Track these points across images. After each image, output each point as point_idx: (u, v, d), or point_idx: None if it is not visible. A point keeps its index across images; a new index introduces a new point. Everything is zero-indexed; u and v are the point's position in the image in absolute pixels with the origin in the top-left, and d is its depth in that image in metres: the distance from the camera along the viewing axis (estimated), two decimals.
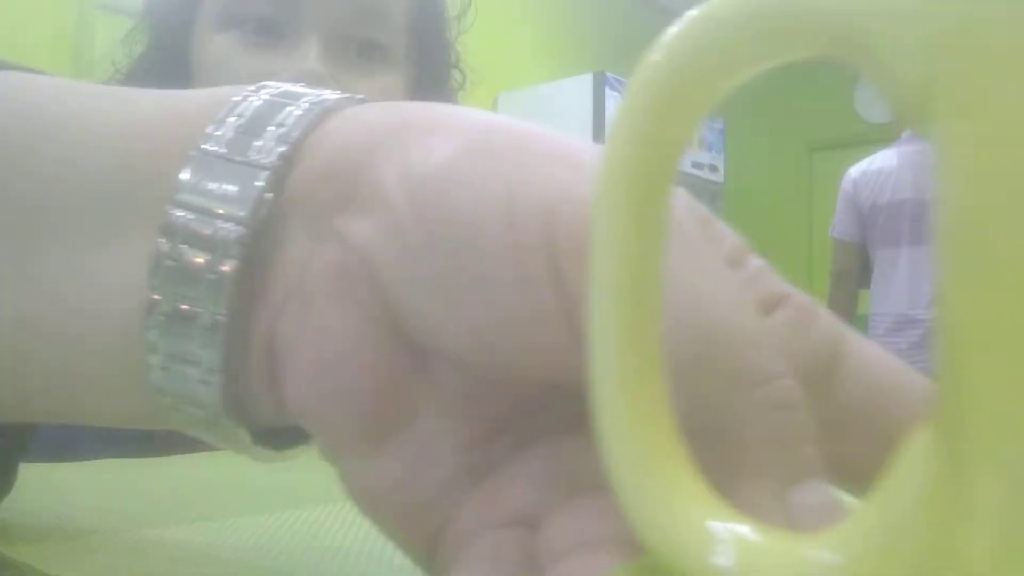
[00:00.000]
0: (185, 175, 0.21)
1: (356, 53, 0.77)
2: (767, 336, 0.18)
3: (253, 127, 0.22)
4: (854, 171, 2.42)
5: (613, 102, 4.29)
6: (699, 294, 0.18)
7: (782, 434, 0.18)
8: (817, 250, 5.60)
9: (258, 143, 0.21)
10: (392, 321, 0.20)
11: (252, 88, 0.23)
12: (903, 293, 2.27)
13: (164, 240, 0.21)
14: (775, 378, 0.18)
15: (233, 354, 0.21)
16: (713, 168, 5.07)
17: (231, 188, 0.21)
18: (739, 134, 5.39)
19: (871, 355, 0.22)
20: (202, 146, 0.21)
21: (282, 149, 0.21)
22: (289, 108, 0.22)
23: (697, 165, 4.93)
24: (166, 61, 0.78)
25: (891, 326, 2.29)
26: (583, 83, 4.22)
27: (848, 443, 0.21)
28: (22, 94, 0.25)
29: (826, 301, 2.27)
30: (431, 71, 0.84)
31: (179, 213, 0.21)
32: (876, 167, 2.37)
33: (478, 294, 0.19)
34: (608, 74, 4.28)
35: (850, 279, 2.40)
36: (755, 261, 0.21)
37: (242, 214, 0.21)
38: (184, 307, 0.21)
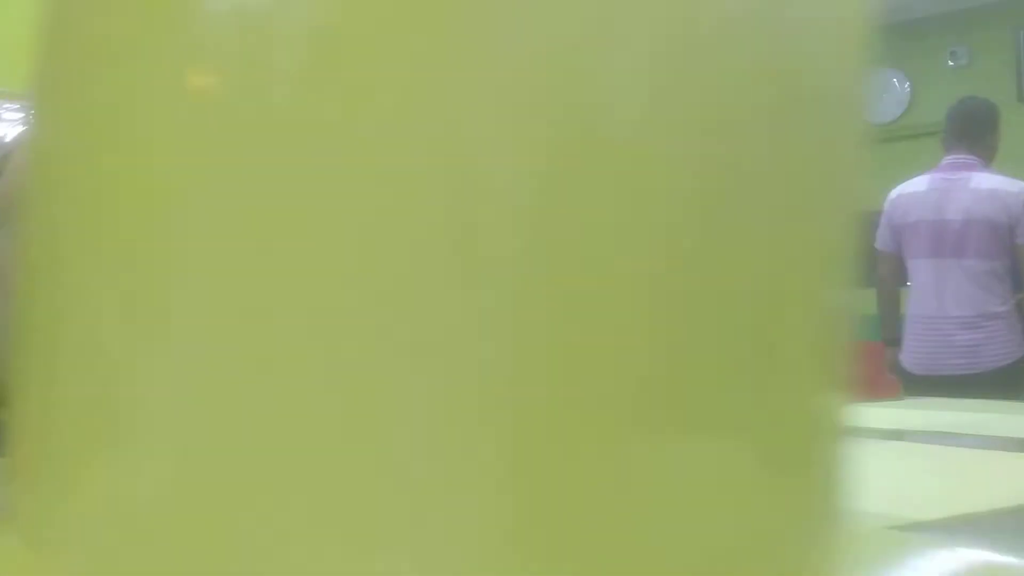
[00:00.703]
0: None
1: None
2: None
3: None
4: (893, 192, 2.72)
5: None
6: None
7: None
8: None
9: None
10: None
11: None
12: (930, 298, 2.58)
13: None
14: None
15: None
16: None
17: None
18: None
19: None
20: None
21: None
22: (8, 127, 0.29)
23: None
24: None
25: (922, 327, 2.60)
26: None
27: None
28: None
29: (878, 299, 2.74)
30: None
31: None
32: (909, 191, 2.66)
33: None
34: None
35: (888, 284, 2.72)
36: None
37: None
38: None
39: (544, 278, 0.10)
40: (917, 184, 2.68)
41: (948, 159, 2.63)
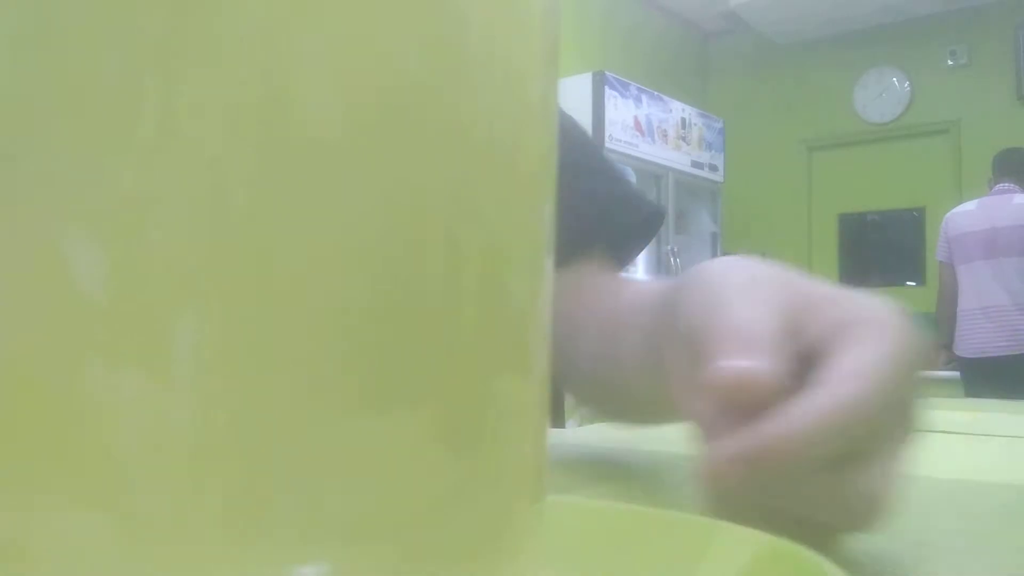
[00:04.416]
0: None
1: None
2: None
3: None
4: (949, 214, 3.52)
5: (613, 102, 4.31)
6: None
7: None
8: (816, 248, 5.61)
9: None
10: None
11: None
12: (986, 291, 3.32)
13: None
14: None
15: None
16: (713, 167, 5.08)
17: None
18: (738, 133, 5.39)
19: None
20: None
21: None
22: None
23: (697, 164, 4.94)
24: None
25: (974, 316, 3.34)
26: (583, 83, 4.23)
27: None
28: None
29: (937, 302, 3.57)
30: None
31: None
32: (962, 210, 3.46)
33: None
34: (608, 74, 4.30)
35: (949, 288, 3.48)
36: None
37: None
38: None
39: (234, 267, 0.12)
40: (967, 205, 3.48)
41: (996, 187, 3.40)
